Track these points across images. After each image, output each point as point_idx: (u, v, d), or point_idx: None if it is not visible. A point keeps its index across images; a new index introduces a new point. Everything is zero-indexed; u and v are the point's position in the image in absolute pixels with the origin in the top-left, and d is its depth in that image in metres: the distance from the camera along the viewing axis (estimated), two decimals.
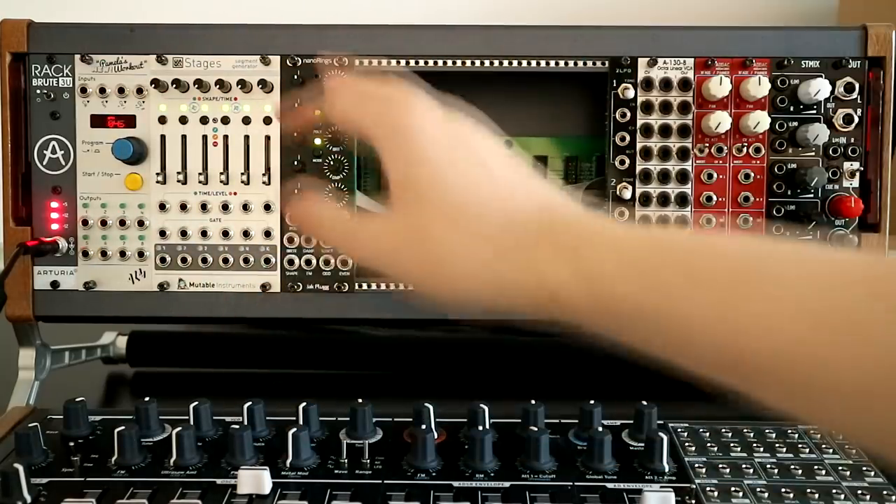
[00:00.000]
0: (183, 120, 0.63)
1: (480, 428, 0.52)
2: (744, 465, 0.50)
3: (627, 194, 0.62)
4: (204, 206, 0.63)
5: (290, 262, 0.63)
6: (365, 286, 0.63)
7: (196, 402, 0.54)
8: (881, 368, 0.28)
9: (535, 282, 0.36)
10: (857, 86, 0.61)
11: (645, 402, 0.54)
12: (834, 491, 0.47)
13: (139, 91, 0.63)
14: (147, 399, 0.55)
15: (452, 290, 0.38)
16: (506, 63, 0.63)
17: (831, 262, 0.31)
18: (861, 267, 0.31)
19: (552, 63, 0.63)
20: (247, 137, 0.63)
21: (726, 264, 0.33)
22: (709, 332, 0.32)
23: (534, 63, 0.63)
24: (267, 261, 0.63)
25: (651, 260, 0.34)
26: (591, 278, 0.34)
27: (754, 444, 0.53)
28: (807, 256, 0.32)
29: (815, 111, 0.62)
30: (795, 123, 0.62)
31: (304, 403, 0.54)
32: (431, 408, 0.54)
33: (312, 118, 0.50)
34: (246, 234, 0.63)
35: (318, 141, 0.63)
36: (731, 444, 0.53)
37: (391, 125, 0.40)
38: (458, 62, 0.63)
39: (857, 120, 0.62)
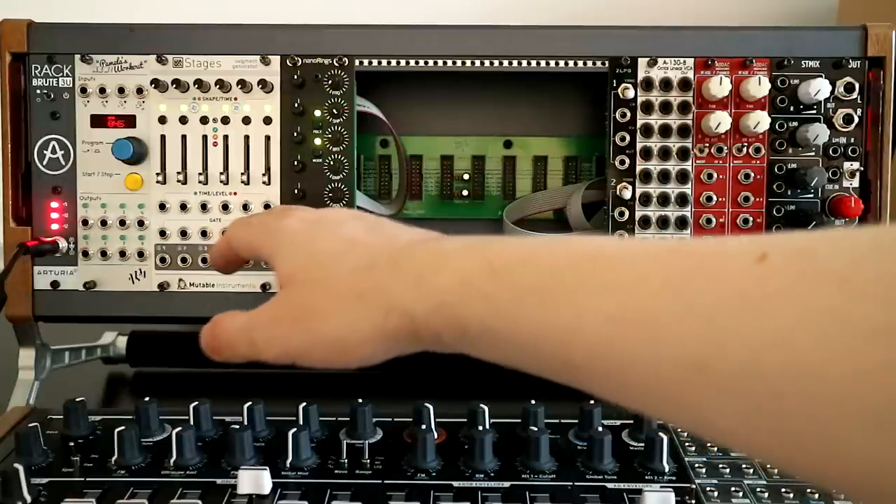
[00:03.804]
0: (183, 120, 0.63)
1: (480, 428, 0.52)
2: (744, 465, 0.50)
3: (627, 194, 0.62)
4: (204, 206, 0.63)
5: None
6: None
7: (196, 402, 0.54)
8: (670, 362, 0.28)
9: (398, 315, 0.37)
10: (857, 86, 0.61)
11: None
12: (834, 490, 0.47)
13: (139, 91, 0.63)
14: (147, 399, 0.55)
15: (343, 349, 0.39)
16: (506, 63, 0.63)
17: (632, 258, 0.32)
18: (659, 260, 0.31)
19: (552, 63, 0.63)
20: (247, 137, 0.63)
21: (540, 274, 0.33)
22: (536, 345, 0.33)
23: (534, 63, 0.63)
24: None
25: (487, 280, 0.35)
26: (439, 304, 0.36)
27: None
28: (610, 252, 0.33)
29: (815, 111, 0.62)
30: (795, 123, 0.62)
31: (304, 403, 0.54)
32: (431, 408, 0.54)
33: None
34: None
35: (318, 141, 0.63)
36: None
37: (271, 232, 0.46)
38: (458, 62, 0.63)
39: (857, 120, 0.62)
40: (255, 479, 0.47)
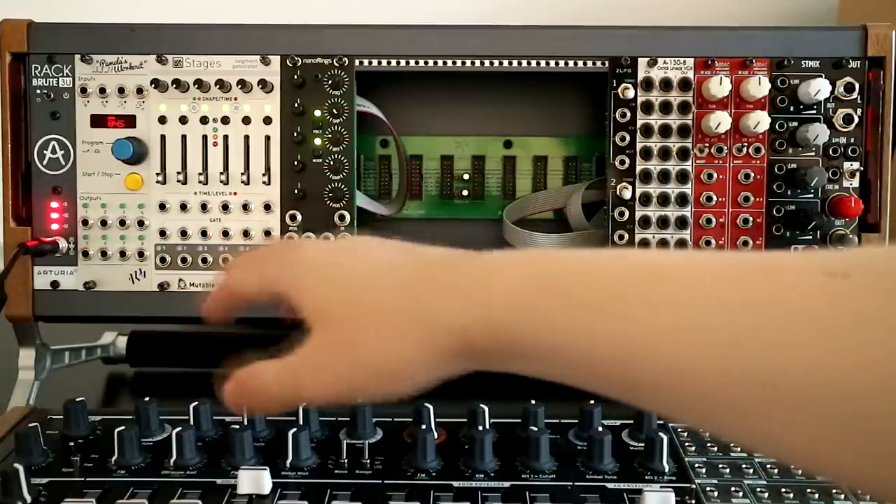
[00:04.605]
0: (183, 120, 0.63)
1: (480, 428, 0.52)
2: (744, 465, 0.50)
3: (627, 194, 0.62)
4: (204, 206, 0.63)
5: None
6: None
7: (196, 402, 0.54)
8: (740, 382, 0.28)
9: (448, 334, 0.35)
10: (857, 86, 0.61)
11: None
12: (834, 491, 0.47)
13: (139, 91, 0.63)
14: (147, 399, 0.55)
15: (394, 378, 0.37)
16: (506, 63, 0.63)
17: (694, 271, 0.31)
18: (723, 274, 0.30)
19: (552, 63, 0.63)
20: (247, 137, 0.63)
21: (597, 290, 0.33)
22: (594, 362, 0.32)
23: (534, 63, 0.63)
24: None
25: (540, 296, 0.34)
26: (490, 321, 0.34)
27: None
28: (669, 265, 0.32)
29: (815, 111, 0.62)
30: (795, 123, 0.62)
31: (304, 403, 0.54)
32: (431, 408, 0.54)
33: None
34: (246, 234, 0.63)
35: (318, 141, 0.63)
36: (731, 444, 0.53)
37: (288, 267, 0.42)
38: (458, 62, 0.63)
39: (857, 120, 0.62)
40: (255, 479, 0.47)
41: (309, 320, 0.40)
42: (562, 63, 0.63)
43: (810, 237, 0.63)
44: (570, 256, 0.36)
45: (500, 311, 0.34)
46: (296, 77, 0.63)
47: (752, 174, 0.62)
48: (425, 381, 0.37)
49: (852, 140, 0.62)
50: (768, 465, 0.50)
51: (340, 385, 0.38)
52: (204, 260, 0.63)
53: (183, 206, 0.63)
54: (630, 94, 0.62)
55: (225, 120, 0.63)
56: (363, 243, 0.43)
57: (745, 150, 0.62)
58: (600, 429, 0.51)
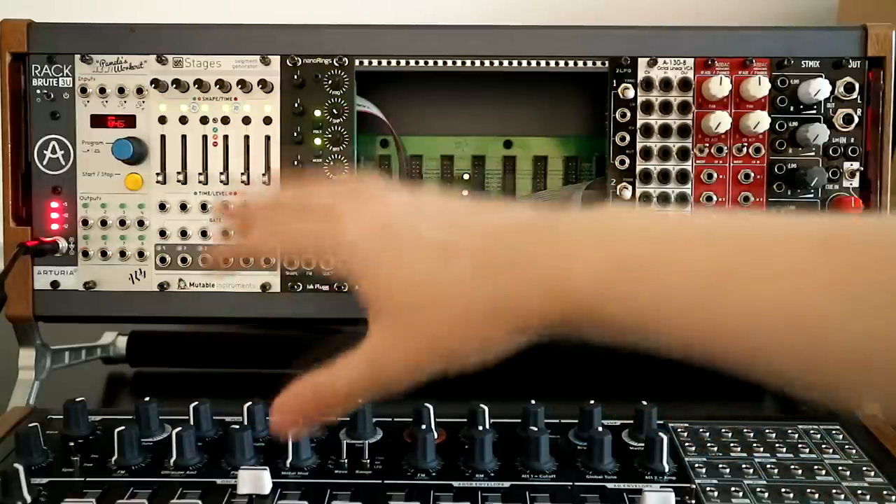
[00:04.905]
0: (183, 120, 0.63)
1: (480, 428, 0.52)
2: (744, 465, 0.50)
3: (627, 194, 0.62)
4: (204, 206, 0.63)
5: (290, 261, 0.63)
6: None
7: (196, 402, 0.54)
8: (836, 357, 0.29)
9: (536, 318, 0.36)
10: (857, 86, 0.61)
11: (645, 402, 0.54)
12: (834, 491, 0.47)
13: (139, 91, 0.63)
14: (147, 399, 0.55)
15: (480, 361, 0.38)
16: (506, 63, 0.63)
17: (784, 250, 0.32)
18: (814, 252, 0.31)
19: (552, 63, 0.63)
20: (247, 137, 0.63)
21: (682, 273, 0.33)
22: (683, 339, 0.33)
23: (534, 63, 0.63)
24: (267, 260, 0.63)
25: (618, 280, 0.34)
26: (576, 303, 0.35)
27: (754, 444, 0.53)
28: (755, 242, 0.33)
29: (815, 111, 0.62)
30: (795, 123, 0.62)
31: None
32: (431, 408, 0.54)
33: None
34: None
35: (318, 141, 0.63)
36: (731, 444, 0.53)
37: (340, 249, 0.41)
38: (458, 62, 0.63)
39: (857, 120, 0.62)
40: (255, 479, 0.47)
41: (374, 307, 0.39)
42: (562, 63, 0.63)
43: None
44: (639, 234, 0.35)
45: (581, 292, 0.35)
46: (296, 77, 0.63)
47: (752, 174, 0.62)
48: (502, 353, 0.38)
49: (852, 140, 0.62)
50: (768, 465, 0.50)
51: (427, 374, 0.38)
52: (204, 260, 0.63)
53: (183, 206, 0.63)
54: (630, 94, 0.62)
55: (225, 120, 0.63)
56: (411, 218, 0.41)
57: (745, 150, 0.62)
58: (600, 429, 0.51)
